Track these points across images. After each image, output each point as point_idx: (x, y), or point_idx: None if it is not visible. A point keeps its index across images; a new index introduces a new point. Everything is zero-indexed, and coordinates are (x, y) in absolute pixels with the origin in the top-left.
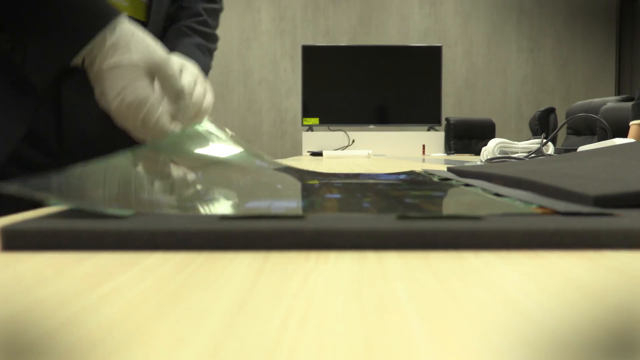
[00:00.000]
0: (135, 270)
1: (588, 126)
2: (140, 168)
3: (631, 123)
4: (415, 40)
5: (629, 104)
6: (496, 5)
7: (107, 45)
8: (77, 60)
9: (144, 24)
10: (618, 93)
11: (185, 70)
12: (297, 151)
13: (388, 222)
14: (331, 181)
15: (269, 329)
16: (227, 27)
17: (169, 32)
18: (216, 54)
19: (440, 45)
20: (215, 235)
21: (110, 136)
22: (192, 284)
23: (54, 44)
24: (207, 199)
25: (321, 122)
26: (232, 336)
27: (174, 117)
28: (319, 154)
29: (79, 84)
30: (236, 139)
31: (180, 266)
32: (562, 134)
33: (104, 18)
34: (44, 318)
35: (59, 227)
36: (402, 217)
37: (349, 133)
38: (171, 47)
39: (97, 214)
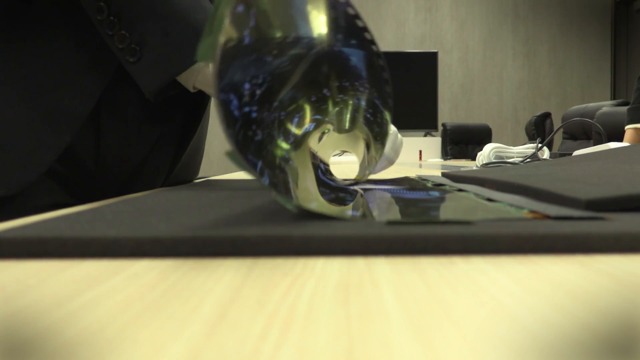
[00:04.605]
0: (119, 278)
1: (584, 131)
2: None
3: (626, 127)
4: (411, 46)
5: (625, 109)
6: (491, 11)
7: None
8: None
9: None
10: (614, 97)
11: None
12: None
13: (377, 227)
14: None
15: (249, 337)
16: None
17: None
18: None
19: (436, 51)
20: (203, 242)
21: (145, 154)
22: (175, 291)
23: (168, 54)
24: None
25: None
26: (211, 344)
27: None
28: None
29: (118, 106)
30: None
31: (165, 273)
32: (558, 139)
33: None
34: (22, 327)
35: (44, 235)
36: (392, 223)
37: None
38: None
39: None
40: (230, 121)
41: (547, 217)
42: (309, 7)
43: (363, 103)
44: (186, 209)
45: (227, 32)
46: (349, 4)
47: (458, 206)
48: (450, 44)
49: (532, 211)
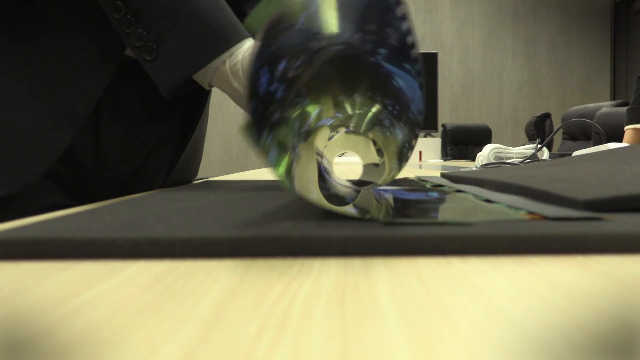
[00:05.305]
0: (116, 279)
1: (584, 131)
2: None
3: (626, 127)
4: None
5: (624, 109)
6: (491, 11)
7: (238, 54)
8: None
9: None
10: (614, 97)
11: None
12: None
13: (374, 228)
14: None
15: (244, 339)
16: None
17: None
18: None
19: (436, 51)
20: (199, 243)
21: (144, 155)
22: (171, 293)
23: (185, 52)
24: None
25: None
26: (206, 345)
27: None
28: None
29: (118, 107)
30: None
31: (162, 274)
32: (558, 139)
33: (235, 37)
34: (19, 327)
35: (41, 236)
36: (389, 223)
37: None
38: None
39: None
40: (254, 93)
41: (545, 217)
42: (364, 18)
43: (396, 130)
44: (184, 210)
45: (286, 9)
46: (410, 33)
47: (456, 207)
48: (450, 45)
49: (530, 212)
